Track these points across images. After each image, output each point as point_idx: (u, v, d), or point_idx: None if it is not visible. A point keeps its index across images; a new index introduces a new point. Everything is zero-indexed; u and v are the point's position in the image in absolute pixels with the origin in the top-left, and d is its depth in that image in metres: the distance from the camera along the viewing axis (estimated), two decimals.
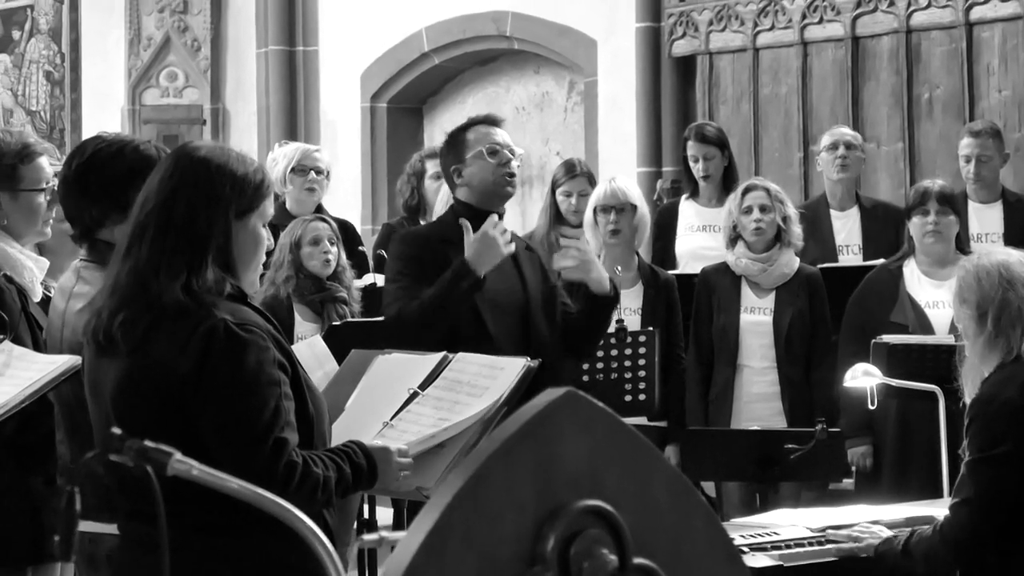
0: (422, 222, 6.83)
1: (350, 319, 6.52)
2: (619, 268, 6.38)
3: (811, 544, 4.45)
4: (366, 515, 6.21)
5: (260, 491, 2.49)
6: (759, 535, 4.47)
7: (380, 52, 10.66)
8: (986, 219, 7.24)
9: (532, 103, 10.46)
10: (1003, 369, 4.27)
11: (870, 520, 4.57)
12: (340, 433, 3.58)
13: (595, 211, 6.59)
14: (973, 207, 7.22)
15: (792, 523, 4.64)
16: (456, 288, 4.88)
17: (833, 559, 4.44)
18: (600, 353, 5.91)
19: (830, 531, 4.50)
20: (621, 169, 8.60)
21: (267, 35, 11.04)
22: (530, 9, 9.99)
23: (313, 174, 7.49)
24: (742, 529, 4.58)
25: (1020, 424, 4.20)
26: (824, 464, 5.81)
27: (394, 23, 10.53)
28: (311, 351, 4.77)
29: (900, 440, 6.37)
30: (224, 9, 11.33)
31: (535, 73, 10.45)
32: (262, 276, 3.57)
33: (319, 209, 7.43)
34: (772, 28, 9.05)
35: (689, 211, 7.61)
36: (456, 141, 5.21)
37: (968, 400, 4.34)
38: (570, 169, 7.43)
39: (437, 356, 4.03)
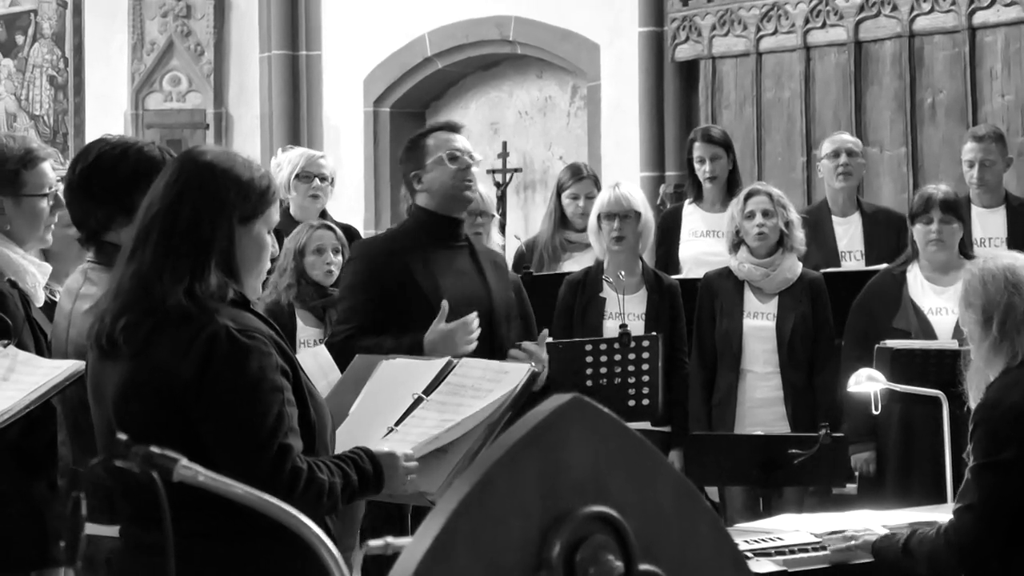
0: None
1: None
2: (623, 273, 6.38)
3: (815, 549, 4.45)
4: None
5: (265, 497, 2.49)
6: (763, 540, 4.47)
7: (383, 57, 10.66)
8: (989, 224, 7.23)
9: (535, 108, 10.47)
10: (1008, 374, 4.26)
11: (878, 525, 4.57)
12: (344, 439, 3.58)
13: (599, 218, 6.60)
14: (976, 212, 7.21)
15: (796, 528, 4.64)
16: None
17: (837, 564, 4.44)
18: (603, 358, 5.91)
19: (825, 538, 4.50)
20: (624, 173, 8.61)
21: (270, 39, 11.04)
22: (533, 14, 9.99)
23: (317, 181, 7.47)
24: (746, 534, 4.57)
25: None
26: (827, 469, 5.81)
27: (397, 28, 10.53)
28: (315, 360, 4.76)
29: (903, 445, 6.37)
30: (227, 14, 11.34)
31: (538, 78, 10.45)
32: (265, 281, 3.57)
33: (323, 215, 7.42)
34: (775, 32, 9.05)
35: (693, 216, 7.61)
36: (416, 147, 5.23)
37: (973, 404, 4.33)
38: (576, 172, 7.44)
39: (441, 361, 4.03)
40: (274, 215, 3.36)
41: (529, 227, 9.76)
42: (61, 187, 4.25)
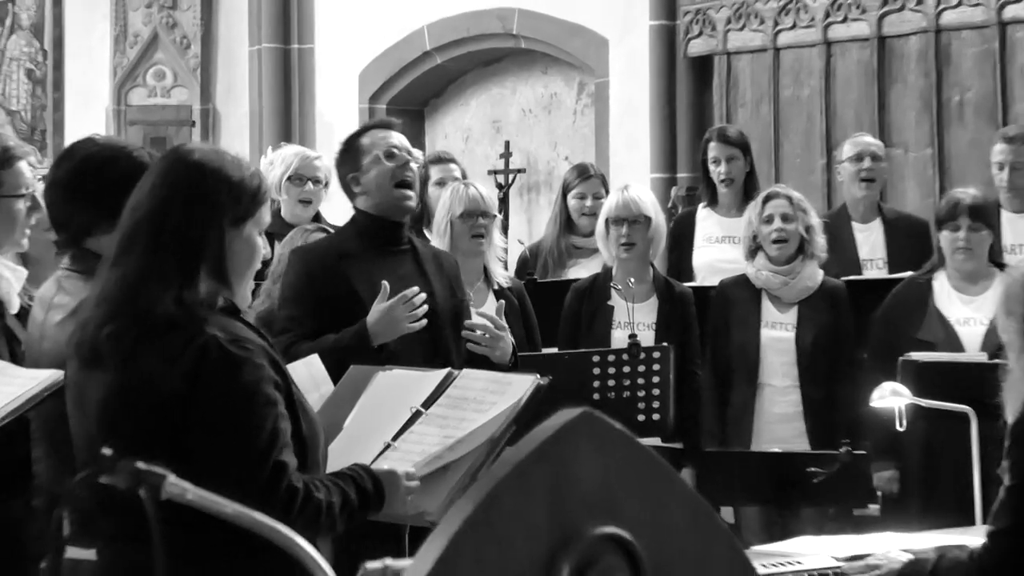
0: (426, 231, 6.81)
1: None
2: (632, 280, 6.38)
3: (836, 574, 4.44)
4: None
5: (258, 516, 2.49)
6: (781, 564, 4.47)
7: (379, 51, 10.68)
8: (1020, 229, 7.22)
9: (540, 105, 10.47)
10: None
11: (901, 549, 4.55)
12: (339, 454, 3.58)
13: (607, 222, 6.58)
14: (1006, 216, 7.19)
15: (815, 552, 4.63)
16: (351, 354, 4.88)
17: None
18: (612, 370, 5.91)
19: (844, 565, 4.48)
20: (633, 175, 8.61)
21: (260, 32, 11.05)
22: (538, 6, 10.00)
23: (310, 184, 7.38)
24: (763, 557, 4.56)
25: None
26: (848, 488, 5.81)
27: (394, 20, 10.54)
28: (308, 371, 4.76)
29: (928, 464, 6.36)
30: (215, 4, 11.35)
31: (543, 74, 10.46)
32: (258, 287, 3.57)
33: (318, 217, 7.39)
34: (793, 27, 9.06)
35: (707, 221, 7.60)
36: (351, 148, 5.28)
37: (1010, 419, 4.31)
38: (583, 171, 7.44)
39: (441, 373, 4.04)
40: (265, 216, 3.35)
41: (533, 231, 9.76)
42: (39, 188, 4.25)
